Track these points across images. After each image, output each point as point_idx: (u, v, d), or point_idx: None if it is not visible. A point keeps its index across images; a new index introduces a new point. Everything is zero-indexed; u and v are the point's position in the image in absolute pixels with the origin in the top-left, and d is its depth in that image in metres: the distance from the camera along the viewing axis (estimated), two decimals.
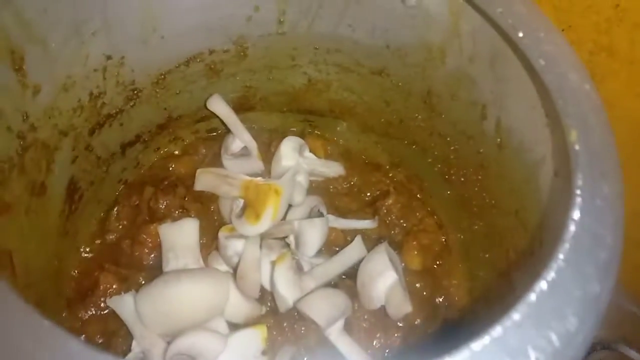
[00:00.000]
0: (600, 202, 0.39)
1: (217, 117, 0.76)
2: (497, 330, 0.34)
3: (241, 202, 0.71)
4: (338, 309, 0.64)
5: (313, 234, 0.69)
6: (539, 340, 0.34)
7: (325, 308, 0.63)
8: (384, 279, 0.65)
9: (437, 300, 0.72)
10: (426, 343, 0.67)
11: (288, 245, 0.70)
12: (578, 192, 0.40)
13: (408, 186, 0.80)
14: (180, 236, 0.68)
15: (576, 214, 0.39)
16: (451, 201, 0.73)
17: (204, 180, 0.73)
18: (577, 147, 0.42)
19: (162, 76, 0.71)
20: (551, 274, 0.36)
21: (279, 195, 0.68)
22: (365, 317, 0.67)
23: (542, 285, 0.36)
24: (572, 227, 0.38)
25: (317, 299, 0.64)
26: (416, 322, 0.68)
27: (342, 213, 0.77)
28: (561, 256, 0.37)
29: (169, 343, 0.61)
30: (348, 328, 0.65)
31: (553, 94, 0.44)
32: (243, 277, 0.65)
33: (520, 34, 0.47)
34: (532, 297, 0.36)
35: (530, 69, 0.49)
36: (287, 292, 0.64)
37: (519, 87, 0.55)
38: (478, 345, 0.34)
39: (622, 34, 0.74)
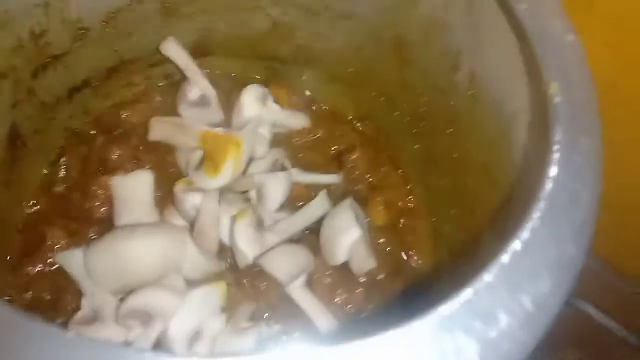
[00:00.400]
0: (579, 159, 0.37)
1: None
2: (467, 292, 0.32)
3: (199, 153, 0.67)
4: (299, 265, 0.61)
5: (276, 189, 0.66)
6: (512, 304, 0.32)
7: (286, 264, 0.61)
8: (348, 235, 0.63)
9: (401, 255, 0.70)
10: (389, 300, 0.66)
11: (249, 200, 0.67)
12: (556, 147, 0.37)
13: (375, 140, 0.77)
14: (134, 189, 0.64)
15: (553, 170, 0.37)
16: (419, 156, 0.71)
17: (159, 130, 0.69)
18: (556, 99, 0.39)
19: (112, 14, 0.65)
20: (525, 234, 0.34)
21: (239, 147, 0.64)
22: (328, 273, 0.65)
23: (516, 245, 0.34)
24: (548, 184, 0.36)
25: (277, 255, 0.61)
26: (379, 278, 0.67)
27: (306, 167, 0.74)
28: (536, 215, 0.35)
29: (121, 301, 0.58)
30: (310, 284, 0.64)
31: (533, 41, 0.41)
32: (201, 233, 0.62)
33: None
34: (505, 258, 0.33)
35: (510, 14, 0.46)
36: (247, 247, 0.61)
37: (495, 35, 0.52)
38: (446, 308, 0.32)
39: None
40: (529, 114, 0.48)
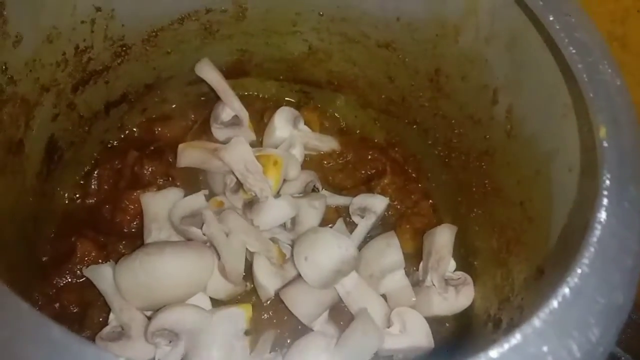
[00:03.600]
0: (628, 205, 0.37)
1: None
2: (516, 337, 0.32)
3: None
4: (322, 304, 0.61)
5: (311, 215, 0.66)
6: (559, 350, 0.32)
7: (308, 304, 0.60)
8: (392, 274, 0.63)
9: None
10: None
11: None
12: (605, 192, 0.37)
13: (405, 167, 0.77)
14: (165, 207, 0.64)
15: (602, 216, 0.36)
16: (449, 186, 0.71)
17: (189, 156, 0.68)
18: (605, 144, 0.39)
19: (154, 33, 0.66)
20: (575, 280, 0.34)
21: (279, 167, 0.64)
22: None
23: (565, 291, 0.34)
24: (597, 230, 0.36)
25: (300, 293, 0.60)
26: None
27: (336, 189, 0.74)
28: (586, 261, 0.35)
29: (149, 318, 0.58)
30: (335, 312, 0.63)
31: (582, 85, 0.42)
32: (226, 264, 0.61)
33: (551, 17, 0.44)
34: (554, 303, 0.33)
35: (556, 54, 0.46)
36: (268, 282, 0.61)
37: (536, 74, 0.52)
38: (495, 352, 0.32)
39: (637, 25, 0.72)
40: (569, 154, 0.48)
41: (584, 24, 0.44)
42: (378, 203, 0.70)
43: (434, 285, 0.63)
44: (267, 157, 0.65)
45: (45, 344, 0.30)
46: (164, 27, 0.66)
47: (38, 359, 0.30)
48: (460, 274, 0.66)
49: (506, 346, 0.32)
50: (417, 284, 0.66)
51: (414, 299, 0.64)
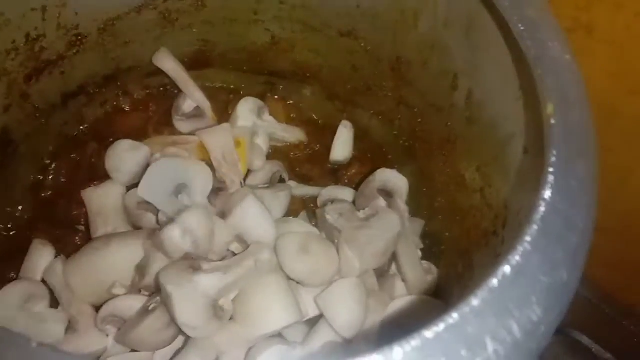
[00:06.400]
0: (574, 183, 0.36)
1: None
2: (453, 317, 0.31)
3: None
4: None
5: (278, 202, 0.65)
6: (499, 330, 0.31)
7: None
8: None
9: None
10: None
11: None
12: (551, 169, 0.36)
13: (371, 157, 0.76)
14: (107, 200, 0.63)
15: (547, 194, 0.35)
16: (414, 175, 0.70)
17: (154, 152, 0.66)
18: (553, 121, 0.38)
19: (111, 22, 0.65)
20: (516, 258, 0.33)
21: (243, 147, 0.64)
22: None
23: (506, 269, 0.33)
24: (542, 208, 0.35)
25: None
26: None
27: (303, 180, 0.73)
28: (528, 239, 0.34)
29: (97, 309, 0.56)
30: None
31: (531, 62, 0.41)
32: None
33: None
34: (494, 282, 0.32)
35: (508, 35, 0.46)
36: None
37: (493, 57, 0.51)
38: (431, 332, 0.30)
39: (602, 12, 0.71)
40: (525, 137, 0.47)
41: (534, 1, 0.43)
42: (346, 194, 0.70)
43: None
44: None
45: None
46: (120, 15, 0.65)
47: None
48: (425, 263, 0.65)
49: (442, 326, 0.30)
50: (382, 274, 0.65)
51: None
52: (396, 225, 0.60)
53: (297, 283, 0.58)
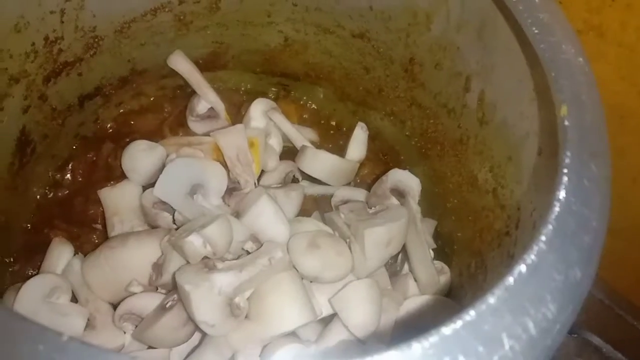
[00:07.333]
0: (588, 183, 0.37)
1: None
2: (470, 314, 0.31)
3: None
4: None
5: (287, 206, 0.65)
6: (515, 328, 0.31)
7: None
8: None
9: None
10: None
11: None
12: (565, 170, 0.37)
13: (384, 158, 0.77)
14: (123, 199, 0.64)
15: (562, 194, 0.36)
16: (427, 176, 0.70)
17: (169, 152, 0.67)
18: (566, 122, 0.39)
19: (127, 24, 0.66)
20: (531, 257, 0.34)
21: (256, 148, 0.64)
22: None
23: (522, 268, 0.33)
24: (556, 208, 0.35)
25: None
26: None
27: (316, 180, 0.73)
28: (543, 238, 0.34)
29: (114, 307, 0.57)
30: None
31: (545, 64, 0.41)
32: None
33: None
34: (510, 280, 0.33)
35: (521, 38, 0.46)
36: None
37: (507, 59, 0.52)
38: (449, 329, 0.31)
39: (613, 14, 0.71)
40: (538, 137, 0.48)
41: (547, 5, 0.44)
42: (359, 195, 0.70)
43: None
44: None
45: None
46: (136, 18, 0.66)
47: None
48: (438, 263, 0.66)
49: (459, 323, 0.31)
50: (395, 274, 0.66)
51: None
52: (401, 214, 0.60)
53: (311, 282, 0.58)
